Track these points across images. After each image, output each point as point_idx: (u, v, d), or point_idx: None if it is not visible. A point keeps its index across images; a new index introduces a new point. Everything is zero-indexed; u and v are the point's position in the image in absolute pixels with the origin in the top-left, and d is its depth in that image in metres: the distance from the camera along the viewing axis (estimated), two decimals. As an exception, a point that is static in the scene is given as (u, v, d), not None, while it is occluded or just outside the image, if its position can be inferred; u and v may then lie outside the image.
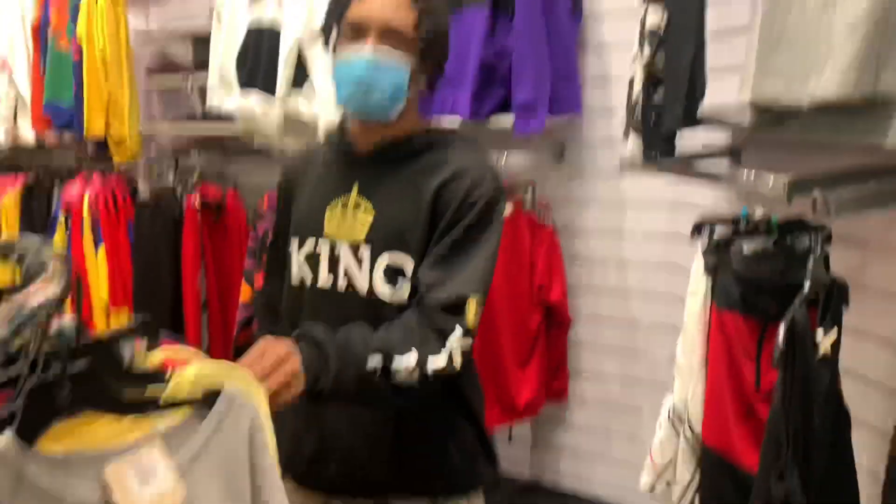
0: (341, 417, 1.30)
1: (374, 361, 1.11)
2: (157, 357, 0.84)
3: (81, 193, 2.99)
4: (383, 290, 1.27)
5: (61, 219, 3.07)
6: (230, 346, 2.75)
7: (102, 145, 3.05)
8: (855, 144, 1.21)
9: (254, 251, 2.67)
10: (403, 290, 1.27)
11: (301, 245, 1.35)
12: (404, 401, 1.17)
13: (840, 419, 1.29)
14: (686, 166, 1.64)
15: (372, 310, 1.27)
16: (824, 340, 1.23)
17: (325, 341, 1.09)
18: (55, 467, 0.71)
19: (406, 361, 1.14)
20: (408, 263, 1.27)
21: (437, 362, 1.17)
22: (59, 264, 0.77)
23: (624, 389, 2.38)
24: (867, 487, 1.42)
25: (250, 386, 0.87)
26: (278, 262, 1.44)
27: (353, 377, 1.10)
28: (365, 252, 1.28)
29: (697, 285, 1.47)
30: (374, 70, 1.25)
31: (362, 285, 1.29)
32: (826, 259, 1.31)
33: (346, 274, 1.30)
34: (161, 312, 2.83)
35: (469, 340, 1.20)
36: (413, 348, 1.15)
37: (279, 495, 0.85)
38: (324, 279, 1.32)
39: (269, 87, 2.44)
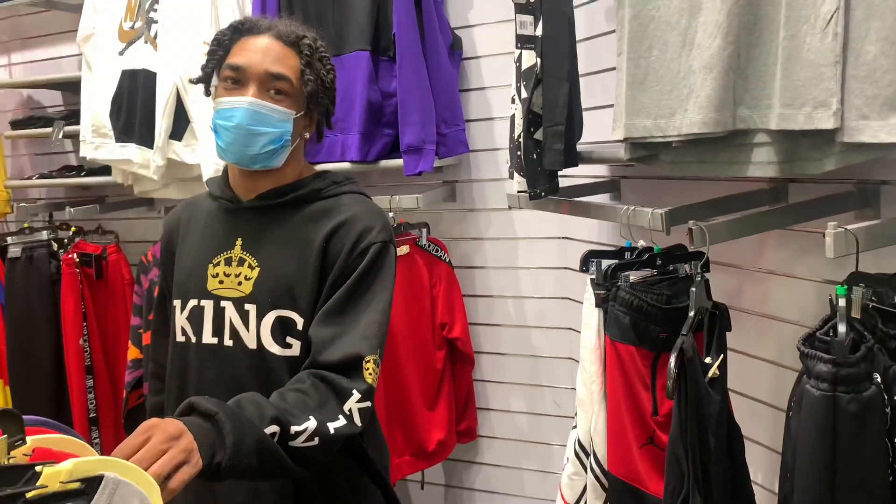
0: (237, 491, 1.22)
1: (271, 431, 1.04)
2: (26, 448, 0.76)
3: (-57, 255, 2.77)
4: (272, 347, 1.22)
5: (-80, 284, 2.81)
6: (120, 410, 2.58)
7: (-35, 203, 2.85)
8: (721, 175, 1.28)
9: (140, 308, 2.53)
10: (294, 347, 1.23)
11: (184, 307, 1.30)
12: (305, 468, 1.10)
13: (734, 439, 1.35)
14: (569, 202, 1.69)
15: (261, 364, 1.23)
16: (712, 364, 1.28)
17: (217, 413, 1.00)
18: None
19: (304, 430, 1.07)
20: (297, 320, 1.22)
21: (336, 426, 1.11)
22: None
23: (531, 424, 2.40)
24: (763, 502, 1.49)
25: (135, 473, 0.80)
26: (166, 324, 1.37)
27: (252, 448, 1.01)
28: (251, 309, 1.23)
29: (590, 318, 1.51)
30: (255, 119, 1.22)
31: (250, 342, 1.24)
32: (707, 285, 1.38)
33: (231, 330, 1.25)
34: (40, 381, 2.64)
35: (368, 401, 1.16)
36: (311, 416, 1.08)
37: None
38: (208, 336, 1.27)
39: (146, 134, 2.34)
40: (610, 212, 1.53)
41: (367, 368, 1.16)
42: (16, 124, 2.97)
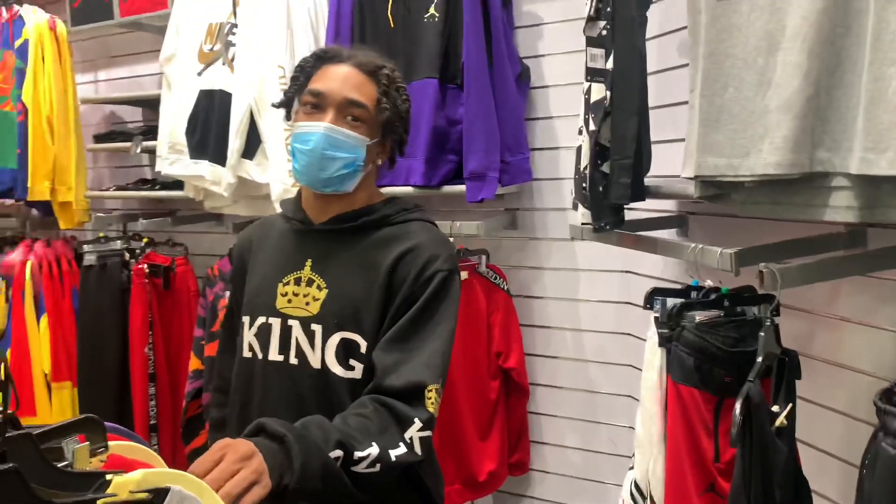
0: None
1: (336, 455, 1.05)
2: (102, 456, 0.78)
3: (24, 260, 2.90)
4: (336, 368, 1.24)
5: (1, 286, 2.95)
6: (179, 419, 2.64)
7: (48, 210, 2.98)
8: (796, 217, 1.24)
9: (203, 320, 2.60)
10: (357, 369, 1.24)
11: (252, 323, 1.33)
12: (364, 492, 1.10)
13: (800, 491, 1.29)
14: (634, 237, 1.67)
15: (324, 384, 1.24)
16: (780, 413, 1.23)
17: (286, 435, 1.02)
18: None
19: (367, 455, 1.08)
20: (361, 343, 1.24)
21: (397, 454, 1.11)
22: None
23: (586, 461, 2.35)
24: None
25: (201, 489, 0.82)
26: (233, 339, 1.40)
27: (317, 472, 1.02)
28: (317, 329, 1.26)
29: (652, 358, 1.48)
30: (330, 143, 1.26)
31: (314, 361, 1.26)
32: (776, 330, 1.33)
33: (297, 349, 1.27)
34: (106, 385, 2.73)
35: (429, 431, 1.16)
36: (373, 442, 1.09)
37: None
38: (274, 353, 1.29)
39: (219, 152, 2.42)
40: (676, 248, 1.50)
41: (430, 397, 1.16)
42: (98, 138, 3.11)
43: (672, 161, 1.50)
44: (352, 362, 1.24)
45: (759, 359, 1.27)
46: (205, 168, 2.46)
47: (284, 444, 1.01)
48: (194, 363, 2.58)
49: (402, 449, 1.12)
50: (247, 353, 1.33)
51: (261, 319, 1.31)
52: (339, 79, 1.27)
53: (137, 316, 2.73)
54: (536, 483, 2.43)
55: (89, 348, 2.81)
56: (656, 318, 1.48)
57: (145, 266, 2.75)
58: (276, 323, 1.30)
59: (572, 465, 2.37)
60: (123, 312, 2.76)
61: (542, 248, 2.36)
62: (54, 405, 2.87)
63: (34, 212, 3.12)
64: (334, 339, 1.25)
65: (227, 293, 2.46)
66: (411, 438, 1.13)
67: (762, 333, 1.30)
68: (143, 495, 0.76)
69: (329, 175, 1.27)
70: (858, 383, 1.45)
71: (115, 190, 3.09)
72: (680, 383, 1.40)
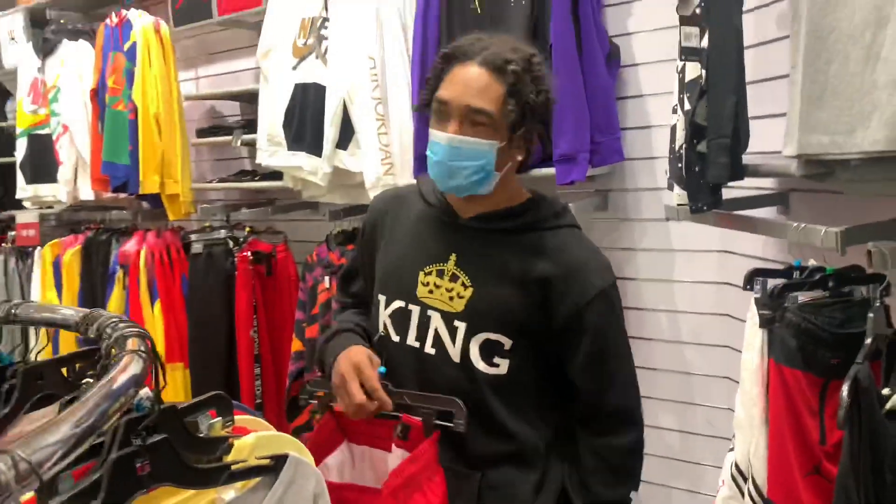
0: None
1: None
2: (229, 429, 0.87)
3: (138, 249, 3.10)
4: (479, 364, 1.28)
5: (119, 274, 3.17)
6: (283, 398, 2.78)
7: (157, 202, 3.17)
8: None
9: (304, 304, 2.71)
10: (501, 366, 1.28)
11: (388, 304, 1.36)
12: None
13: (911, 475, 1.25)
14: (732, 216, 1.64)
15: (465, 376, 1.29)
16: (891, 395, 1.20)
17: None
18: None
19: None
20: (506, 342, 1.27)
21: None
22: (138, 341, 0.81)
23: (682, 443, 2.33)
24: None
25: (303, 451, 0.90)
26: (356, 282, 1.51)
27: None
28: (461, 326, 1.29)
29: (753, 339, 1.45)
30: (455, 154, 1.25)
31: (454, 355, 1.29)
32: (887, 311, 1.29)
33: (436, 339, 1.31)
34: (215, 366, 2.89)
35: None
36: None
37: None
38: (412, 339, 1.33)
39: (315, 143, 2.51)
40: (778, 228, 1.47)
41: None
42: (200, 133, 3.28)
43: (772, 137, 1.47)
44: (496, 360, 1.28)
45: (868, 340, 1.24)
46: (302, 159, 2.56)
47: None
48: (296, 345, 2.71)
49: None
50: (382, 331, 1.37)
51: (399, 303, 1.35)
52: (462, 83, 1.24)
53: (242, 301, 2.87)
54: (632, 464, 2.43)
55: (199, 332, 2.98)
56: (757, 299, 1.46)
57: (249, 253, 2.88)
58: (415, 310, 1.33)
59: (669, 447, 2.36)
60: (229, 298, 2.90)
61: (634, 228, 2.34)
62: (168, 385, 3.05)
63: (145, 204, 3.31)
64: (479, 338, 1.28)
65: (326, 278, 2.58)
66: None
67: (871, 314, 1.26)
68: (267, 461, 0.84)
69: (459, 183, 1.27)
70: (977, 365, 1.38)
71: (217, 182, 3.25)
72: (783, 365, 1.38)
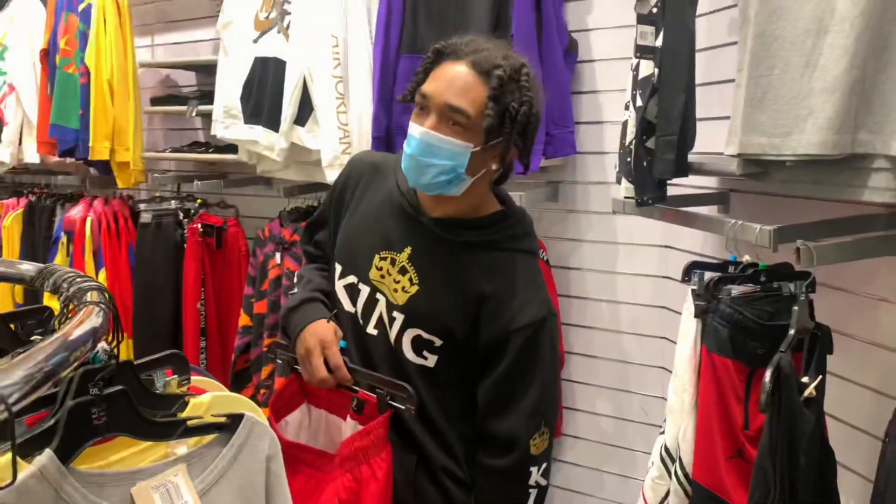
0: None
1: None
2: (185, 388, 0.89)
3: (84, 216, 3.04)
4: (409, 354, 1.33)
5: (63, 240, 3.10)
6: (228, 372, 2.77)
7: (106, 169, 3.11)
8: (835, 197, 1.28)
9: (253, 279, 2.71)
10: (429, 360, 1.32)
11: (343, 276, 1.40)
12: None
13: (825, 460, 1.35)
14: (675, 211, 1.71)
15: (395, 359, 1.33)
16: (809, 384, 1.29)
17: None
18: (88, 485, 0.75)
19: None
20: (436, 341, 1.31)
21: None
22: (97, 294, 0.83)
23: (616, 428, 2.42)
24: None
25: (258, 413, 0.92)
26: (321, 231, 1.54)
27: None
28: (398, 317, 1.33)
29: (688, 328, 1.53)
30: (427, 150, 1.24)
31: (391, 338, 1.34)
32: (810, 305, 1.38)
33: (379, 321, 1.35)
34: (160, 338, 2.86)
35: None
36: None
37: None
38: (360, 316, 1.38)
39: (273, 118, 2.50)
40: (716, 224, 1.55)
41: (534, 444, 1.33)
42: (155, 101, 3.22)
43: (716, 138, 1.54)
44: (425, 353, 1.32)
45: (792, 331, 1.33)
46: (259, 133, 2.55)
47: None
48: (244, 319, 2.71)
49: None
50: (338, 299, 1.41)
51: (352, 279, 1.38)
52: (447, 80, 1.23)
53: (190, 273, 2.85)
54: (568, 448, 2.52)
55: (144, 303, 2.95)
56: (693, 290, 1.54)
57: (199, 226, 2.87)
58: (364, 290, 1.36)
59: (603, 432, 2.45)
60: (177, 270, 2.89)
61: (582, 220, 2.41)
62: (110, 354, 3.02)
63: (93, 171, 3.25)
64: (412, 333, 1.32)
65: (277, 254, 2.58)
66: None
67: (796, 307, 1.34)
68: (223, 419, 0.86)
69: (427, 181, 1.26)
70: (891, 361, 1.49)
71: (170, 152, 3.21)
72: (714, 353, 1.46)
